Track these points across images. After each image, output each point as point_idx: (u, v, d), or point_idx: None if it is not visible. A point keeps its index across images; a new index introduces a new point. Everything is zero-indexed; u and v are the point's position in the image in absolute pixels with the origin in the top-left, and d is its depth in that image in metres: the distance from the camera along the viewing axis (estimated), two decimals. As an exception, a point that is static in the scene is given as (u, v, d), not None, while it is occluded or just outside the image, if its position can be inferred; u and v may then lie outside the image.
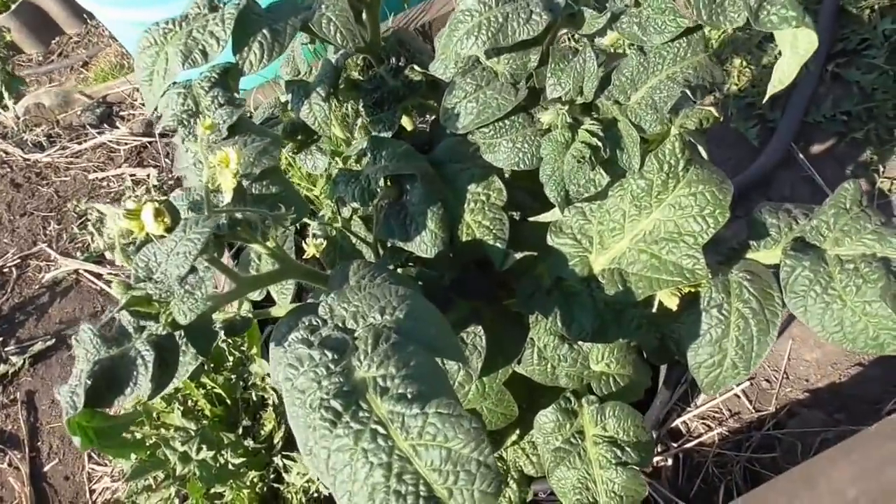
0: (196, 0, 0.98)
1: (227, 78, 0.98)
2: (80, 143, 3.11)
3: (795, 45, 0.85)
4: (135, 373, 0.75)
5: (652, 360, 1.56)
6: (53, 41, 4.34)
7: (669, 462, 1.91)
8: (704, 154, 1.10)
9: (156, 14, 2.55)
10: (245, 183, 0.89)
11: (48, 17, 4.29)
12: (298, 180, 2.13)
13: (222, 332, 1.00)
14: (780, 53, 0.90)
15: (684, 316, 0.99)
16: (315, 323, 0.80)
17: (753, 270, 1.00)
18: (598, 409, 1.20)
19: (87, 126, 3.18)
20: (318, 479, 1.82)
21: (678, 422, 1.98)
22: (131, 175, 2.91)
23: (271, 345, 0.89)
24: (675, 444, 1.93)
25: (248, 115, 1.19)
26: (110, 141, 3.06)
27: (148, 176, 2.87)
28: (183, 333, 0.80)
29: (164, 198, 0.73)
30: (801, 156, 2.31)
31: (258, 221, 0.78)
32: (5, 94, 3.28)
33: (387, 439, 0.63)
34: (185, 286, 0.74)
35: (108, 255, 0.83)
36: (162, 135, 2.97)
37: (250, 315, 1.06)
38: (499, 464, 1.46)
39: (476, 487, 0.60)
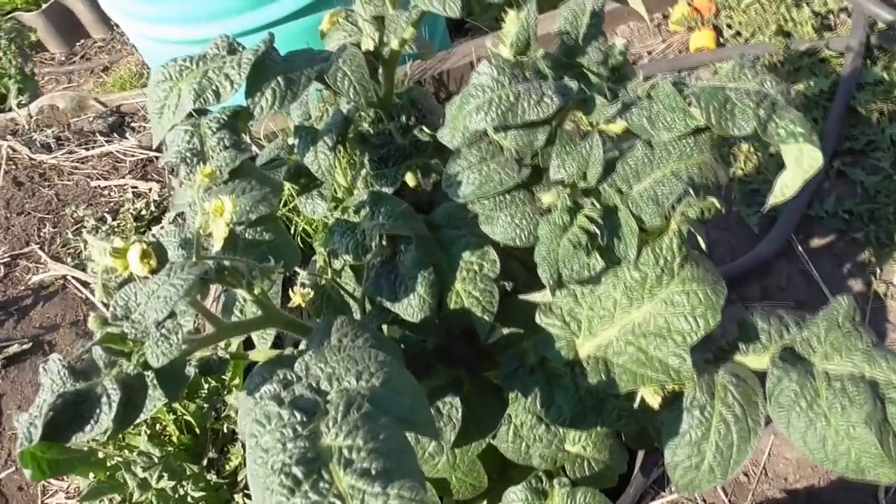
0: (217, 41, 0.98)
1: (236, 120, 0.98)
2: (87, 150, 3.12)
3: (800, 160, 0.85)
4: (97, 410, 0.74)
5: (630, 445, 1.54)
6: (78, 43, 4.39)
7: (639, 546, 1.87)
8: (703, 244, 1.10)
9: (176, 32, 2.58)
10: (239, 228, 0.88)
11: (76, 19, 4.34)
12: (305, 224, 2.12)
13: (196, 371, 0.99)
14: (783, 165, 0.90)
15: (666, 411, 0.98)
16: (289, 378, 0.79)
17: (740, 374, 0.99)
18: (569, 492, 1.18)
19: (97, 133, 3.19)
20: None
21: (651, 505, 1.95)
22: (133, 187, 2.91)
23: (243, 393, 0.88)
24: (645, 529, 1.90)
25: (253, 150, 1.19)
26: (118, 151, 3.07)
27: (150, 190, 2.87)
28: (154, 377, 0.79)
29: (153, 240, 0.72)
30: (800, 248, 2.31)
31: (245, 272, 0.77)
32: (13, 91, 3.29)
33: (344, 515, 0.61)
34: (161, 330, 0.73)
35: (91, 325, 0.82)
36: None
37: (227, 356, 1.05)
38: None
39: (430, 579, 0.59)
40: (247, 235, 0.91)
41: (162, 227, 2.60)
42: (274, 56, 0.98)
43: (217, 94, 0.93)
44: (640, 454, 1.61)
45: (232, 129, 0.97)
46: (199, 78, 0.93)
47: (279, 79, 0.96)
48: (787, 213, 2.33)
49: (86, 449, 0.81)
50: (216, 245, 0.75)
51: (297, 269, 1.02)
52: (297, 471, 0.65)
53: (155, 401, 0.86)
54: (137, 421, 0.85)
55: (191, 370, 0.97)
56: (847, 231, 2.29)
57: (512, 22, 0.96)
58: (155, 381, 0.84)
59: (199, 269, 0.70)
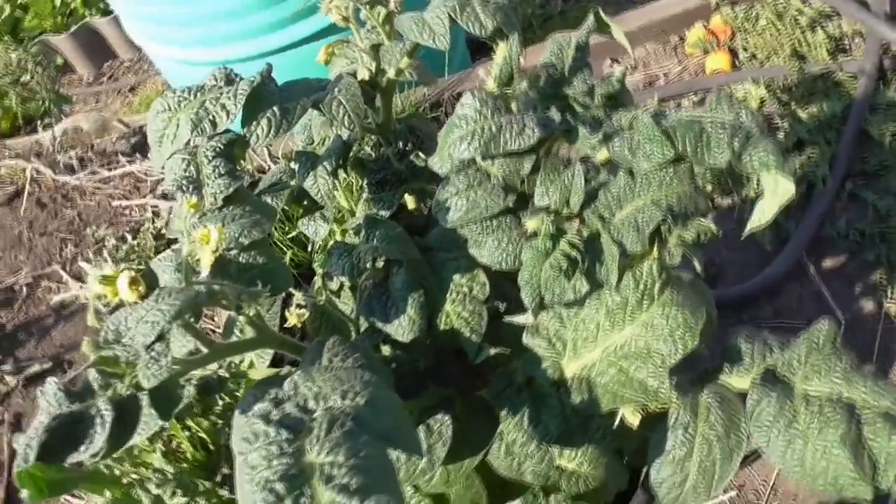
0: (214, 72, 1.02)
1: (232, 148, 1.02)
2: (109, 170, 3.19)
3: (775, 190, 0.88)
4: (91, 430, 0.77)
5: (632, 461, 1.55)
6: (106, 64, 4.49)
7: (643, 567, 1.87)
8: (699, 267, 1.12)
9: (198, 54, 2.64)
10: (233, 252, 0.92)
11: (104, 41, 4.45)
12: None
13: (195, 391, 1.02)
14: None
15: (652, 431, 1.00)
16: (280, 397, 0.82)
17: (724, 395, 1.01)
18: (563, 509, 1.20)
19: (120, 153, 3.26)
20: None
21: (658, 525, 1.94)
22: (153, 207, 2.97)
23: (236, 412, 0.91)
24: (652, 548, 1.90)
25: (257, 180, 1.23)
26: (139, 171, 3.13)
27: (170, 209, 2.93)
28: (147, 398, 0.82)
29: (142, 267, 0.76)
30: (812, 269, 2.31)
31: (233, 296, 0.80)
32: (43, 110, 3.38)
33: (321, 530, 0.64)
34: (150, 353, 0.77)
35: (84, 349, 0.86)
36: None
37: (227, 375, 1.09)
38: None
39: None
40: (240, 259, 0.95)
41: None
42: (270, 87, 1.02)
43: (214, 124, 0.97)
44: (644, 471, 1.62)
45: (227, 158, 1.00)
46: (196, 108, 0.97)
47: (275, 109, 1.00)
48: (798, 234, 2.33)
49: (84, 468, 0.84)
50: (203, 271, 0.78)
51: (292, 290, 1.05)
52: (279, 487, 0.67)
53: (150, 423, 0.89)
54: (133, 442, 0.88)
55: (190, 389, 1.00)
56: (858, 252, 2.28)
57: (500, 53, 1.00)
58: (150, 403, 0.87)
59: (186, 294, 0.73)
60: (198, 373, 1.05)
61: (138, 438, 0.84)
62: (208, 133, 0.97)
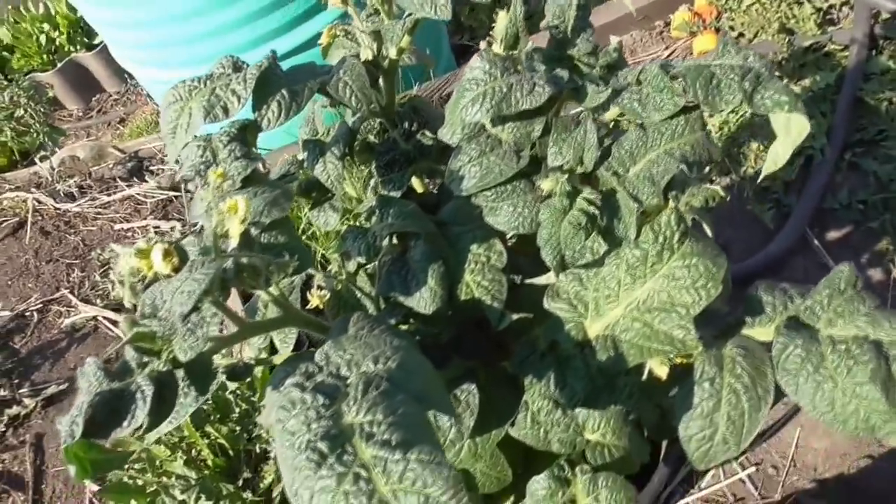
0: (222, 60, 1.04)
1: (245, 133, 1.03)
2: (109, 195, 3.21)
3: (788, 129, 0.88)
4: (133, 406, 0.78)
5: (653, 436, 1.56)
6: (94, 98, 4.53)
7: (670, 544, 1.87)
8: (710, 232, 1.12)
9: (186, 74, 2.66)
10: (254, 232, 0.92)
11: (91, 75, 4.48)
12: (322, 240, 2.17)
13: (224, 377, 1.03)
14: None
15: (678, 388, 1.00)
16: (311, 370, 0.82)
17: (748, 346, 1.01)
18: (590, 478, 1.20)
19: (118, 179, 3.29)
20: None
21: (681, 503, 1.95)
22: (155, 227, 2.99)
23: (268, 389, 0.91)
24: (676, 527, 1.90)
25: (267, 171, 1.24)
26: (138, 194, 3.16)
27: (172, 229, 2.94)
28: (184, 374, 0.83)
29: (174, 240, 0.77)
30: (816, 242, 2.32)
31: (262, 267, 0.81)
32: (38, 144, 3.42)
33: (368, 483, 0.64)
34: (187, 324, 0.77)
35: (125, 303, 0.87)
36: (187, 190, 3.06)
37: (252, 362, 1.09)
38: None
39: (452, 536, 0.60)
40: (262, 239, 0.95)
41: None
42: (277, 71, 1.04)
43: (226, 110, 0.98)
44: (663, 447, 1.63)
45: (242, 142, 1.02)
46: (207, 96, 0.98)
47: (283, 91, 1.01)
48: (800, 208, 2.34)
49: (122, 451, 0.85)
50: (232, 242, 0.79)
51: (312, 271, 1.06)
52: (322, 445, 0.68)
53: (187, 407, 0.90)
54: (173, 425, 0.89)
55: (219, 376, 1.01)
56: (863, 221, 2.30)
57: (501, 20, 1.01)
58: (187, 384, 0.88)
59: (219, 263, 0.74)
60: (223, 361, 1.05)
61: (178, 421, 0.84)
62: (220, 119, 0.98)
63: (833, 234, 2.33)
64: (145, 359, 0.83)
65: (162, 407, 0.80)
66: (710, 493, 1.94)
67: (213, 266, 0.74)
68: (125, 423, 0.78)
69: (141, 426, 0.77)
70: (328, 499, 0.64)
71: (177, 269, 0.77)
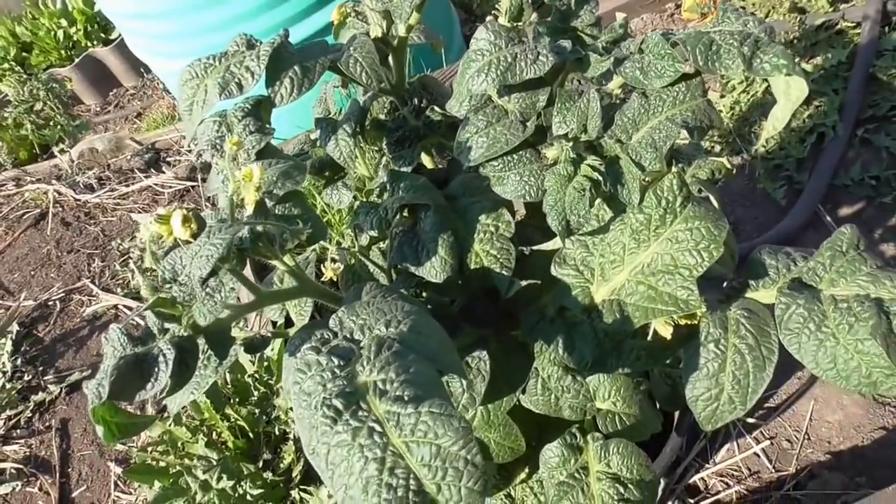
0: (235, 39, 1.07)
1: (259, 109, 1.06)
2: (127, 186, 3.27)
3: (788, 93, 0.90)
4: (156, 369, 0.81)
5: (664, 407, 1.58)
6: (111, 93, 4.58)
7: (686, 518, 1.90)
8: (717, 203, 1.14)
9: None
10: (269, 203, 0.95)
11: (108, 70, 4.54)
12: (336, 226, 2.21)
13: (242, 350, 1.06)
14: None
15: (684, 350, 1.02)
16: (326, 336, 0.85)
17: (751, 308, 1.03)
18: (602, 445, 1.22)
19: (136, 170, 3.34)
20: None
21: (696, 478, 1.96)
22: (173, 217, 3.03)
23: (285, 355, 0.95)
24: (692, 501, 1.92)
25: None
26: (156, 184, 3.21)
27: (190, 218, 2.99)
28: (204, 342, 0.86)
29: (193, 207, 0.80)
30: (828, 218, 2.32)
31: (277, 234, 0.84)
32: (64, 140, 3.47)
33: (382, 436, 0.67)
34: (206, 289, 0.80)
35: (143, 292, 0.90)
36: (203, 179, 3.11)
37: (269, 335, 1.12)
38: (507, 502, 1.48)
39: (463, 484, 0.63)
40: (276, 211, 0.98)
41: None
42: (289, 48, 1.07)
43: (240, 86, 1.01)
44: (676, 416, 1.65)
45: (256, 117, 1.05)
46: (222, 72, 1.01)
47: (296, 68, 1.03)
48: (812, 185, 2.34)
49: (146, 418, 0.89)
50: (248, 209, 0.82)
51: (325, 244, 1.09)
52: (337, 402, 0.71)
53: (207, 377, 0.93)
54: (195, 395, 0.93)
55: (237, 348, 1.04)
56: (875, 197, 2.30)
57: (507, -6, 1.04)
58: (207, 356, 0.91)
59: (236, 228, 0.77)
60: (241, 334, 1.09)
61: (199, 391, 0.87)
62: (235, 95, 1.01)
63: (845, 210, 2.34)
64: (166, 324, 0.86)
65: (183, 371, 0.84)
66: (724, 467, 1.96)
67: (231, 231, 0.77)
68: (149, 386, 0.81)
69: (164, 388, 0.81)
70: (344, 452, 0.67)
71: (195, 236, 0.80)
